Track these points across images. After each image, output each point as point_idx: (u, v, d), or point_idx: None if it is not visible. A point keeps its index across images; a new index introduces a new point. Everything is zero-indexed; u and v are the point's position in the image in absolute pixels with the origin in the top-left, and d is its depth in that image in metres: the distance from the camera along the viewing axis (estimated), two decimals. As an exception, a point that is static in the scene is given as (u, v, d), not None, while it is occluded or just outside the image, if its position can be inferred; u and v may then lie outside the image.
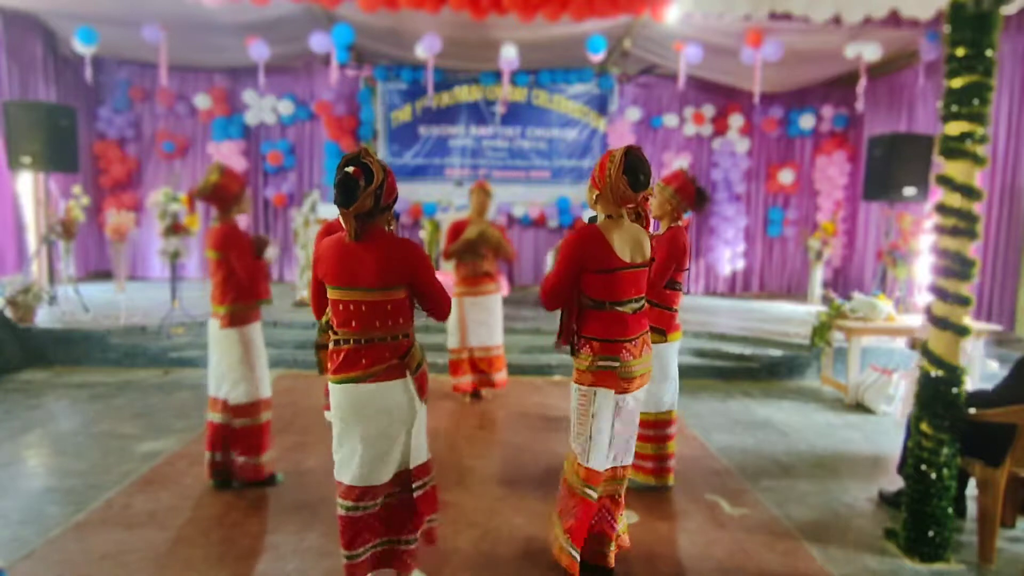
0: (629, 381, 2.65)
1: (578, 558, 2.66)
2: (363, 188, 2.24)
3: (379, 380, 2.37)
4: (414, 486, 2.52)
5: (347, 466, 2.45)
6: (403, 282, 2.39)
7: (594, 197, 2.68)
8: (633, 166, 2.55)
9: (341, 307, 2.39)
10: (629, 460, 2.82)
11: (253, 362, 3.53)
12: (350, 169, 2.26)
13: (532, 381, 6.02)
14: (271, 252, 3.56)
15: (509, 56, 7.74)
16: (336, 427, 2.48)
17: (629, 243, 2.64)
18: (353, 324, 2.38)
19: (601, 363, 2.61)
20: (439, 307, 2.50)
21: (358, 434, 2.41)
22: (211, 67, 9.55)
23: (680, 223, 3.55)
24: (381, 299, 2.36)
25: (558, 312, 2.77)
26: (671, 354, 3.59)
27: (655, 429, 3.63)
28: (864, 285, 8.97)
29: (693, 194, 3.52)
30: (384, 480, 2.46)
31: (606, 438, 2.66)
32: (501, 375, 5.36)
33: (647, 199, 2.85)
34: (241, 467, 3.56)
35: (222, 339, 3.47)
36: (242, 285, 3.43)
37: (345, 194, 2.24)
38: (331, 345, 2.45)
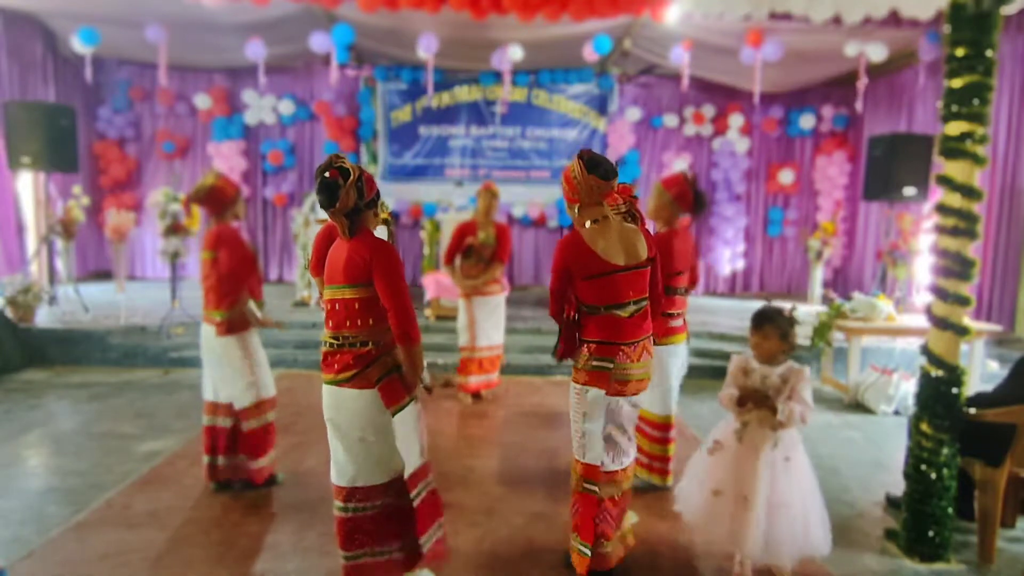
0: (624, 384, 2.64)
1: (589, 554, 2.66)
2: (343, 185, 2.31)
3: (352, 386, 2.40)
4: (412, 495, 2.51)
5: (333, 466, 2.50)
6: (366, 279, 2.36)
7: (576, 211, 2.69)
8: (593, 162, 2.60)
9: (328, 306, 2.46)
10: (628, 463, 2.80)
11: (254, 365, 3.52)
12: (327, 173, 2.34)
13: (532, 381, 6.02)
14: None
15: (515, 57, 7.75)
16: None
17: (621, 245, 2.63)
18: (330, 324, 2.45)
19: (595, 363, 2.62)
20: (396, 318, 2.35)
21: (338, 435, 2.46)
22: (211, 67, 9.54)
23: (675, 226, 3.55)
24: (351, 297, 2.39)
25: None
26: (669, 358, 3.57)
27: (659, 431, 3.65)
28: (864, 285, 8.97)
29: (691, 201, 3.51)
30: (372, 483, 2.46)
31: (598, 436, 2.66)
32: (497, 374, 5.42)
33: (635, 199, 2.85)
34: (247, 471, 3.56)
35: (220, 346, 3.46)
36: (233, 287, 3.42)
37: (328, 195, 2.32)
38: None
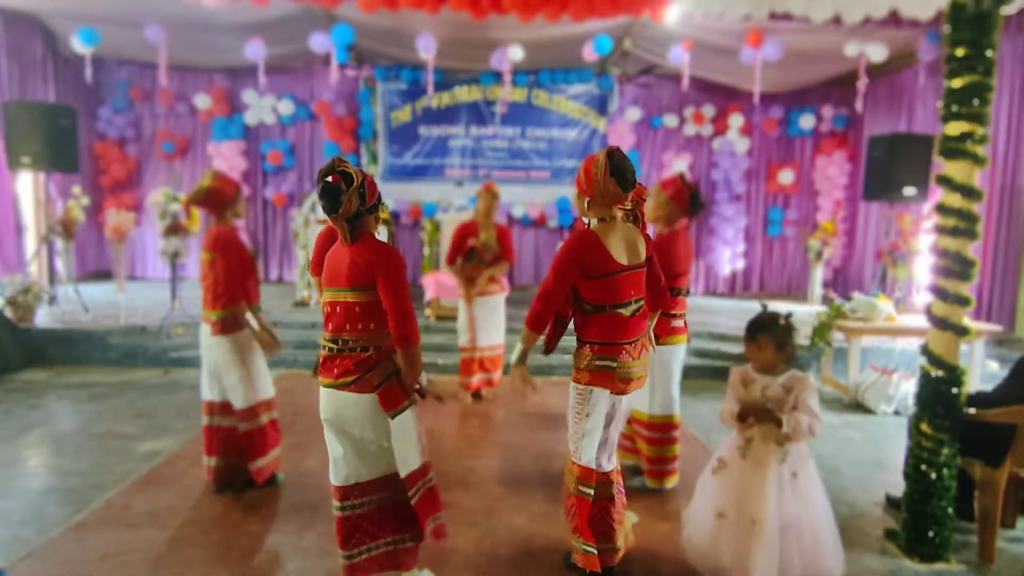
0: (627, 382, 2.65)
1: (595, 551, 2.65)
2: (345, 191, 2.30)
3: (352, 391, 2.40)
4: (410, 493, 2.51)
5: (331, 466, 2.51)
6: (369, 282, 2.37)
7: (585, 204, 2.68)
8: (619, 167, 2.57)
9: (328, 308, 2.45)
10: (616, 463, 2.85)
11: (249, 366, 3.52)
12: (329, 178, 2.33)
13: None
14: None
15: (515, 57, 7.75)
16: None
17: (625, 245, 2.64)
18: (329, 327, 2.45)
19: (599, 363, 2.62)
20: (396, 321, 2.36)
21: (335, 436, 2.47)
22: (211, 67, 9.55)
23: (676, 227, 3.55)
24: (352, 300, 2.39)
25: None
26: (671, 358, 3.58)
27: (661, 432, 3.64)
28: (864, 285, 8.97)
29: (687, 201, 3.51)
30: (367, 479, 2.48)
31: (598, 437, 2.67)
32: (499, 374, 5.40)
33: (643, 200, 2.85)
34: (247, 471, 3.55)
35: (215, 346, 3.44)
36: (228, 289, 3.40)
37: (331, 200, 2.31)
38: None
